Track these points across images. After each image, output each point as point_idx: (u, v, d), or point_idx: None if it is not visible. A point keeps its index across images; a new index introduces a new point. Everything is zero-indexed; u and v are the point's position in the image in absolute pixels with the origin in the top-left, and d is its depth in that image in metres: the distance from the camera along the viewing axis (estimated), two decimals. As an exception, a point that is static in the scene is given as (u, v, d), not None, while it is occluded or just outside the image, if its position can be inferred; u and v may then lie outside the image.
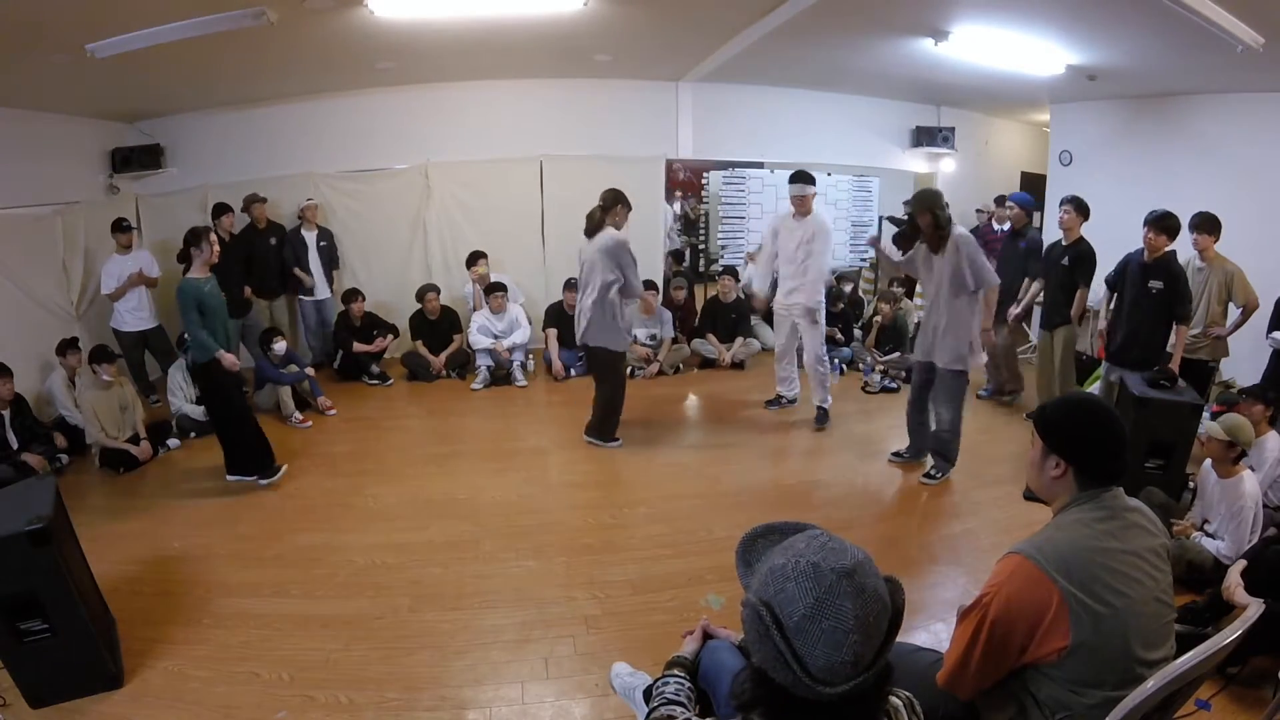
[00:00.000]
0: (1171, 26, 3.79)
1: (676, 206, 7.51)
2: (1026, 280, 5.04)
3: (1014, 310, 5.02)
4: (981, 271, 3.67)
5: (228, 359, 3.80)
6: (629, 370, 6.06)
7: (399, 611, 2.86)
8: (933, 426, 4.03)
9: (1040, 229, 7.04)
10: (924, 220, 3.71)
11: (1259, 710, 2.17)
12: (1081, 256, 4.47)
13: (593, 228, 4.24)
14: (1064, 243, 4.58)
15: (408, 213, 6.52)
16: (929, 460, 4.12)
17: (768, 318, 6.92)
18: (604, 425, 4.51)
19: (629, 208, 4.25)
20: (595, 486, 4.05)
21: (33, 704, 2.32)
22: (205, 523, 3.66)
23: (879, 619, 0.95)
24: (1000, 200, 6.07)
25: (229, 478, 4.04)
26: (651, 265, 6.90)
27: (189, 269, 3.88)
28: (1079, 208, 4.47)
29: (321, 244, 6.11)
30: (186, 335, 4.01)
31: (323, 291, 6.18)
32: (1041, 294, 4.93)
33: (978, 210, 7.36)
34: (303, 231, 6.05)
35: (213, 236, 3.83)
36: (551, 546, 3.35)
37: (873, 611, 0.93)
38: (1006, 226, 5.26)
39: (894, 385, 5.63)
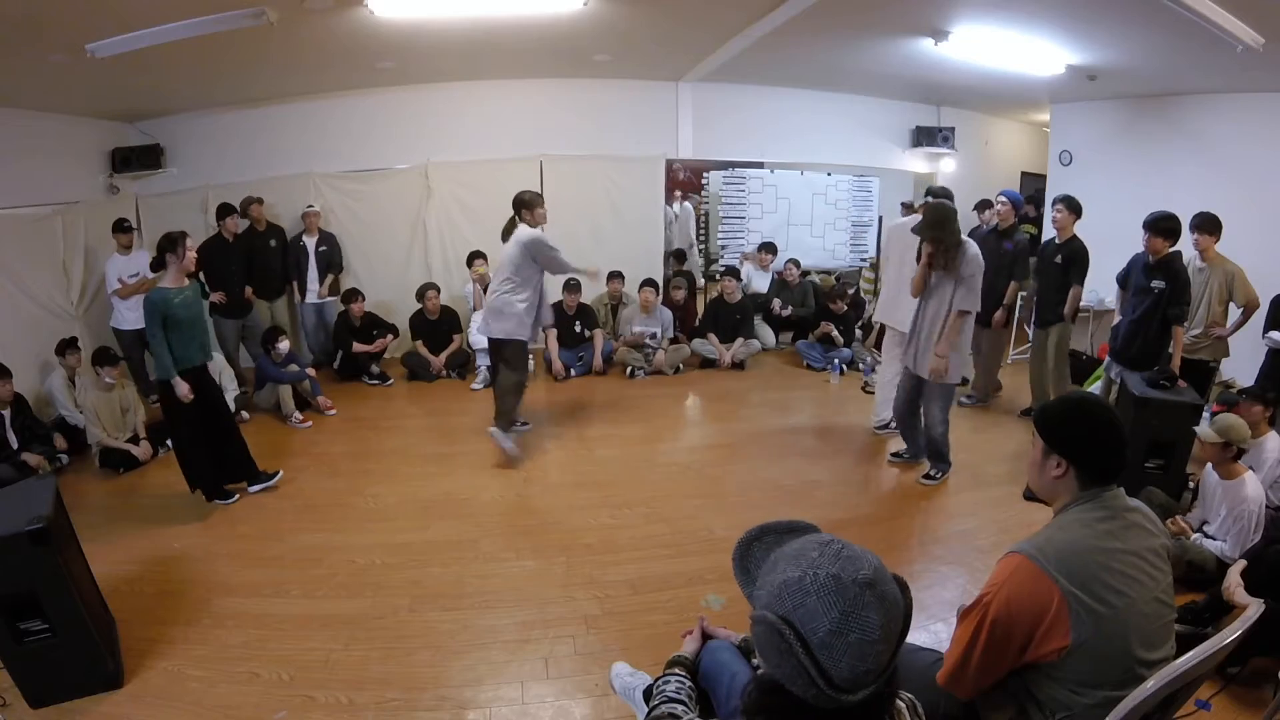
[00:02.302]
0: (1171, 26, 3.79)
1: (677, 206, 7.50)
2: (1013, 285, 5.01)
3: (998, 315, 4.99)
4: (969, 295, 3.61)
5: (181, 388, 3.50)
6: (628, 371, 6.09)
7: (399, 611, 2.86)
8: (924, 427, 4.01)
9: (1040, 229, 7.08)
10: (931, 243, 3.62)
11: (1259, 710, 2.17)
12: (1074, 255, 4.51)
13: (507, 231, 4.33)
14: (1057, 241, 4.62)
15: (408, 213, 6.53)
16: (928, 461, 4.12)
17: (767, 319, 6.96)
18: (500, 416, 4.42)
19: (541, 203, 4.35)
20: (595, 486, 4.04)
21: (33, 704, 2.31)
22: (205, 523, 3.66)
23: (897, 624, 0.94)
24: (984, 205, 5.82)
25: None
26: (651, 264, 6.91)
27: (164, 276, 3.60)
28: (1071, 206, 4.52)
29: (321, 249, 6.10)
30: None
31: (313, 295, 6.14)
32: (1023, 295, 4.92)
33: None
34: (304, 237, 6.06)
35: (189, 242, 3.57)
36: (551, 546, 3.35)
37: (894, 618, 0.93)
38: (993, 224, 5.20)
39: (894, 385, 5.63)
